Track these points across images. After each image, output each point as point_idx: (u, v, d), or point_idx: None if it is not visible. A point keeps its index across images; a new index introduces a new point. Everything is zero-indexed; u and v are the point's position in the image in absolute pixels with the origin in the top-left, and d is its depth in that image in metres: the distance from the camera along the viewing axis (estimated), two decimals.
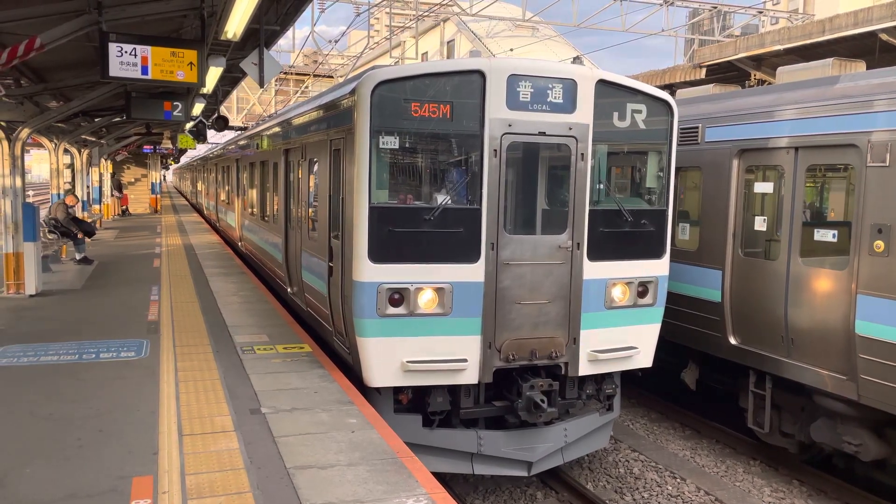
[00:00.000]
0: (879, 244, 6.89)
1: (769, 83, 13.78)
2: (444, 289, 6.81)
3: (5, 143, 11.87)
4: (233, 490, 4.80)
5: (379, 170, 6.76)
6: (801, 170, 7.84)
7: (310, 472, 5.09)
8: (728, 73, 15.86)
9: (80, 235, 15.87)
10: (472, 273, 6.86)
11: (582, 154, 7.11)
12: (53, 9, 8.55)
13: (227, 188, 20.52)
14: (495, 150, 6.82)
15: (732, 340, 8.64)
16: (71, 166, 24.37)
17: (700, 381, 9.82)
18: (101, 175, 27.36)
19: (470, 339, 6.93)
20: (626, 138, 7.59)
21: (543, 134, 6.99)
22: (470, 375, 6.98)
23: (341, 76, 28.53)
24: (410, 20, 31.21)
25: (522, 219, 7.38)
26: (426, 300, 6.80)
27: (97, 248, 17.73)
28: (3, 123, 12.19)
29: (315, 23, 31.84)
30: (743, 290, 8.49)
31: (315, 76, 33.86)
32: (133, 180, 35.89)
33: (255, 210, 14.57)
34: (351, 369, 7.39)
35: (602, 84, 7.17)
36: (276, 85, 36.68)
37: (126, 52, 8.49)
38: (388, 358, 6.79)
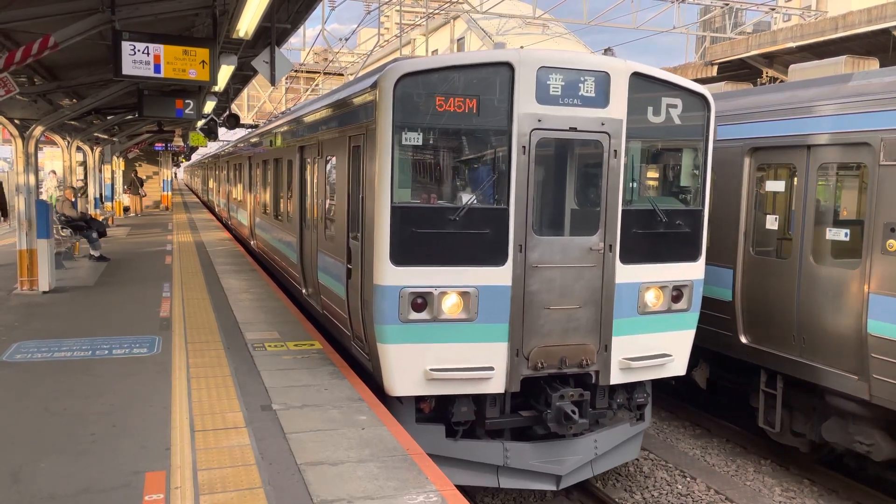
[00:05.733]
0: (892, 243, 6.84)
1: (781, 81, 13.71)
2: (470, 293, 6.48)
3: (19, 141, 11.98)
4: (244, 486, 4.84)
5: (401, 168, 6.45)
6: (814, 168, 7.80)
7: (320, 469, 5.11)
8: (740, 71, 15.80)
9: (94, 235, 16.00)
10: (499, 276, 6.53)
11: (615, 151, 6.75)
12: (67, 7, 8.61)
13: (239, 186, 20.26)
14: (524, 147, 6.48)
15: (743, 339, 8.61)
16: (84, 164, 24.51)
17: (711, 380, 9.79)
18: (112, 172, 27.51)
19: (496, 346, 6.60)
20: (660, 134, 7.22)
21: (574, 130, 6.64)
22: (496, 384, 6.64)
23: (351, 74, 28.58)
24: (420, 18, 31.21)
25: (551, 219, 7.08)
26: (450, 305, 6.47)
27: (109, 245, 17.84)
28: (16, 121, 12.30)
29: (326, 21, 31.91)
30: (754, 289, 8.46)
31: (325, 74, 33.91)
32: (145, 177, 36.09)
33: (268, 208, 14.28)
34: (370, 375, 7.12)
35: (636, 77, 6.80)
36: (286, 83, 36.76)
37: (139, 50, 8.55)
38: (410, 365, 6.47)
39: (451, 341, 6.51)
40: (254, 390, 6.86)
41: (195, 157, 53.06)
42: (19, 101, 12.49)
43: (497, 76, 6.43)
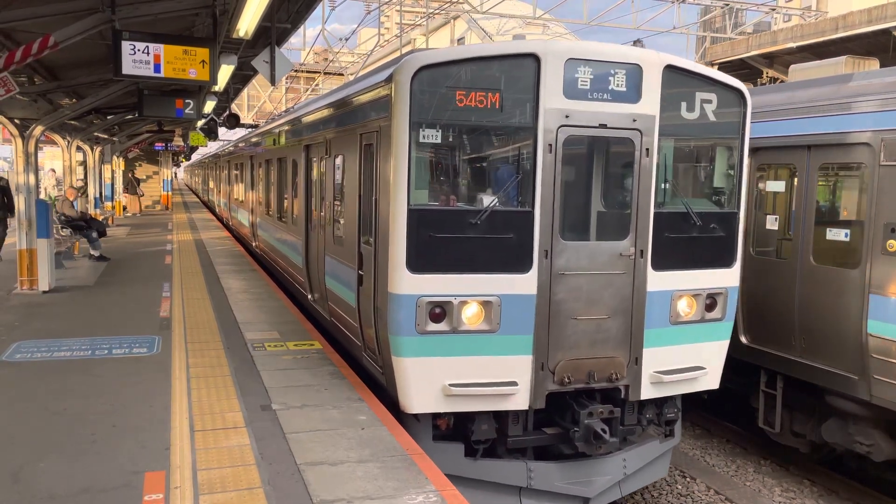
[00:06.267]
0: (892, 244, 6.84)
1: (781, 81, 13.71)
2: (492, 302, 6.03)
3: (19, 141, 11.98)
4: (244, 486, 4.84)
5: (419, 167, 6.03)
6: (814, 168, 7.80)
7: (320, 469, 5.11)
8: (740, 71, 15.81)
9: (94, 235, 16.01)
10: (524, 284, 6.09)
11: (647, 149, 6.30)
12: (67, 7, 8.62)
13: (241, 186, 19.82)
14: (550, 145, 6.03)
15: (744, 339, 8.61)
16: (84, 163, 24.52)
17: None
18: (112, 172, 27.53)
19: (520, 360, 6.15)
20: (694, 132, 6.79)
21: (604, 126, 6.18)
22: (520, 400, 6.20)
23: (351, 74, 28.56)
24: (421, 18, 31.20)
25: (578, 223, 6.67)
26: (471, 315, 6.03)
27: (109, 245, 17.84)
28: (16, 121, 12.30)
29: (326, 21, 31.91)
30: (754, 289, 8.46)
31: (325, 74, 33.92)
32: (145, 177, 36.10)
33: (271, 209, 13.83)
34: (381, 388, 6.76)
35: (670, 70, 6.35)
36: (286, 83, 36.76)
37: (139, 50, 8.55)
38: (427, 380, 6.04)
39: (472, 354, 6.08)
40: (254, 390, 6.86)
41: (195, 156, 53.07)
42: (19, 100, 12.49)
43: (521, 69, 6.00)
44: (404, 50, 27.76)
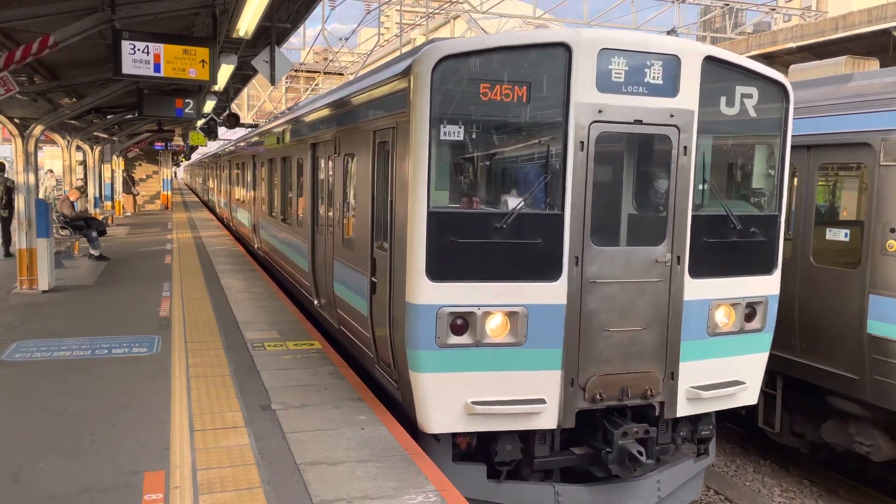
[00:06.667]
0: (892, 244, 6.84)
1: None
2: (518, 313, 5.61)
3: (19, 140, 11.98)
4: (243, 485, 4.84)
5: (439, 167, 5.60)
6: (814, 169, 7.80)
7: (320, 469, 5.11)
8: None
9: (93, 234, 16.02)
10: (552, 293, 5.67)
11: (685, 147, 5.88)
12: (67, 7, 8.62)
13: (243, 186, 19.26)
14: (582, 143, 5.61)
15: None
16: (83, 163, 24.53)
17: None
18: (112, 172, 27.54)
19: (548, 375, 5.74)
20: (733, 129, 6.35)
21: (640, 122, 5.75)
22: (548, 419, 5.78)
23: (351, 74, 28.56)
24: (421, 18, 31.20)
25: (610, 227, 6.26)
26: (496, 327, 5.62)
27: (109, 245, 17.85)
28: (16, 120, 12.31)
29: (326, 20, 31.92)
30: None
31: (325, 74, 33.93)
32: (145, 177, 36.10)
33: (275, 211, 13.38)
34: (394, 403, 6.39)
35: (709, 62, 5.91)
36: (286, 82, 36.77)
37: (139, 49, 8.55)
38: (449, 398, 5.62)
39: (497, 369, 5.66)
40: (253, 390, 6.86)
41: (195, 156, 53.06)
42: (19, 100, 12.50)
43: (551, 60, 5.56)
44: (404, 49, 27.77)
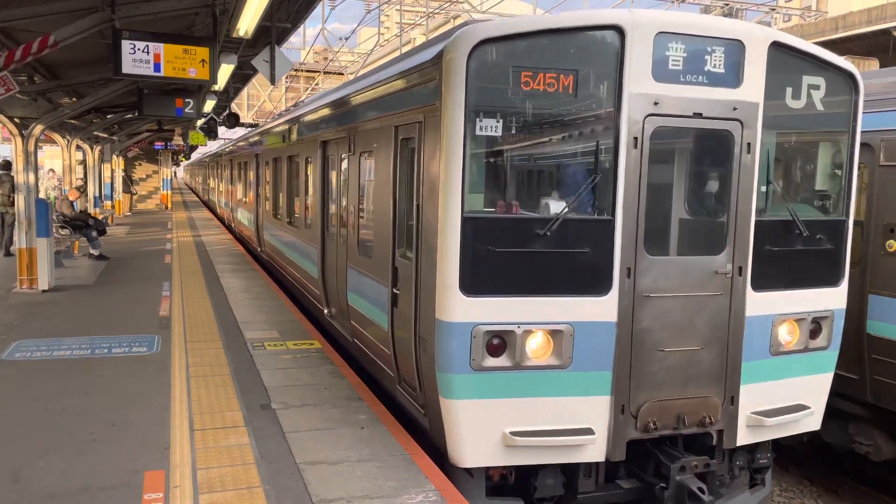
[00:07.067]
0: (892, 244, 6.85)
1: None
2: (562, 331, 5.02)
3: (18, 140, 11.98)
4: (243, 485, 4.84)
5: (474, 166, 5.03)
6: None
7: (320, 468, 5.11)
8: None
9: (93, 234, 16.03)
10: (601, 309, 5.08)
11: (748, 144, 5.29)
12: (67, 6, 8.62)
13: (246, 187, 18.53)
14: (636, 139, 5.02)
15: None
16: (83, 163, 24.54)
17: None
18: (112, 171, 27.54)
19: (596, 402, 5.15)
20: (799, 124, 5.76)
21: (699, 116, 5.15)
22: (596, 451, 5.19)
23: (351, 73, 28.57)
24: (421, 17, 31.21)
25: (664, 234, 5.71)
26: (537, 347, 5.03)
27: (109, 244, 17.85)
28: (16, 120, 12.30)
29: (326, 20, 31.93)
30: None
31: (325, 73, 33.93)
32: (144, 176, 36.11)
33: (280, 213, 12.74)
34: (415, 426, 5.84)
35: (776, 48, 5.31)
36: (286, 82, 36.78)
37: (139, 49, 8.55)
38: (485, 428, 5.04)
39: (538, 395, 5.07)
40: (253, 389, 6.86)
41: (195, 155, 53.07)
42: (19, 99, 12.50)
43: (602, 45, 4.99)
44: (404, 49, 27.83)
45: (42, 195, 17.39)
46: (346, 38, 27.95)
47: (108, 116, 18.98)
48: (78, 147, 21.34)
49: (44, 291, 11.88)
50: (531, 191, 5.49)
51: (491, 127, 4.92)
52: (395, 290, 6.09)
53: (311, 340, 8.81)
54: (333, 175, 8.67)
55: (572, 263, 5.08)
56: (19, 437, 5.69)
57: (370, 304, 6.89)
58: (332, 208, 8.71)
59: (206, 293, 11.91)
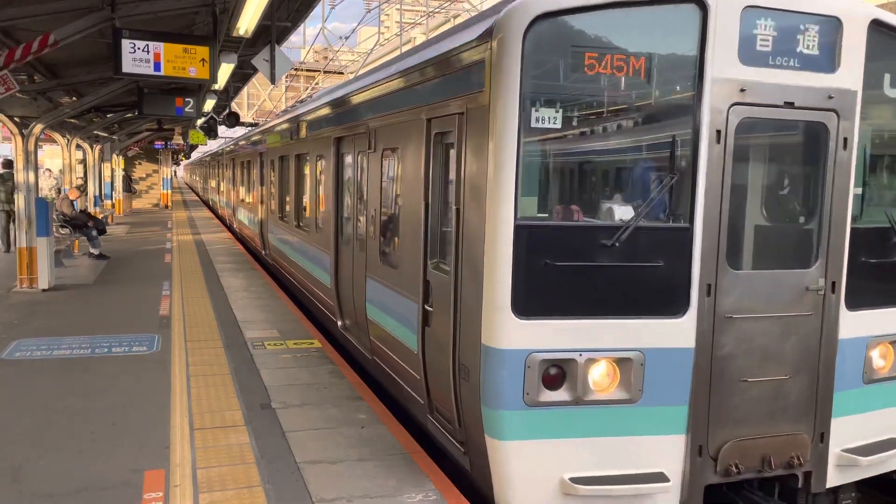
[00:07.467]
0: None
1: None
2: (631, 360, 4.37)
3: (19, 139, 11.98)
4: (243, 484, 4.84)
5: (528, 165, 4.35)
6: None
7: (319, 467, 5.11)
8: None
9: (93, 233, 16.04)
10: (677, 333, 4.43)
11: (845, 139, 4.64)
12: (67, 5, 8.62)
13: (249, 187, 17.76)
14: (719, 132, 4.36)
15: None
16: (83, 162, 24.56)
17: None
18: (112, 171, 27.55)
19: (670, 441, 4.50)
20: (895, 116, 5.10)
21: (791, 105, 4.48)
22: (669, 499, 4.52)
23: (351, 73, 28.58)
24: (421, 17, 31.22)
25: (749, 243, 4.98)
26: (601, 378, 4.38)
27: (109, 244, 17.85)
28: (16, 119, 12.31)
29: (326, 19, 31.93)
30: None
31: (325, 73, 33.94)
32: (144, 175, 36.11)
33: (287, 215, 12.06)
34: (462, 473, 5.09)
35: (875, 28, 4.65)
36: (286, 81, 36.81)
37: (139, 48, 8.55)
38: (539, 473, 4.39)
39: (602, 435, 4.43)
40: (253, 388, 6.86)
41: (195, 154, 53.06)
42: (19, 98, 12.51)
43: (680, 21, 4.33)
44: (404, 49, 27.84)
45: (45, 193, 17.47)
46: (346, 38, 27.98)
47: (108, 116, 18.98)
48: (78, 146, 21.34)
49: (44, 291, 11.88)
50: (592, 193, 4.80)
51: (549, 118, 4.25)
52: (426, 307, 5.40)
53: (311, 340, 8.81)
54: (349, 175, 8.00)
55: (643, 279, 4.42)
56: (19, 436, 5.69)
57: (395, 321, 6.21)
58: (348, 211, 8.06)
59: (206, 292, 11.91)
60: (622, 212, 4.47)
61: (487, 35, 4.33)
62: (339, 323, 8.40)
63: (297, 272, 11.20)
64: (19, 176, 12.02)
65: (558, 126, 4.29)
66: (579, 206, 4.67)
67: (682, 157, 4.45)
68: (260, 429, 5.83)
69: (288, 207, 12.13)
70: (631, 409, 4.42)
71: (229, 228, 24.19)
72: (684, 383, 4.46)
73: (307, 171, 10.48)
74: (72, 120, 17.65)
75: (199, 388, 6.85)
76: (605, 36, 4.25)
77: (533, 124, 4.22)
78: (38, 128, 12.14)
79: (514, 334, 4.25)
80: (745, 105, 4.40)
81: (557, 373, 4.33)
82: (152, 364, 7.70)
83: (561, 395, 4.34)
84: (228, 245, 19.22)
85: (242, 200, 19.51)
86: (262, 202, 15.38)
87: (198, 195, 52.43)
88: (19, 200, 11.97)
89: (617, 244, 4.29)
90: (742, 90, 4.38)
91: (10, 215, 15.94)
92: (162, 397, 6.60)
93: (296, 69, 34.45)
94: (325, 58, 36.74)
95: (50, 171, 22.17)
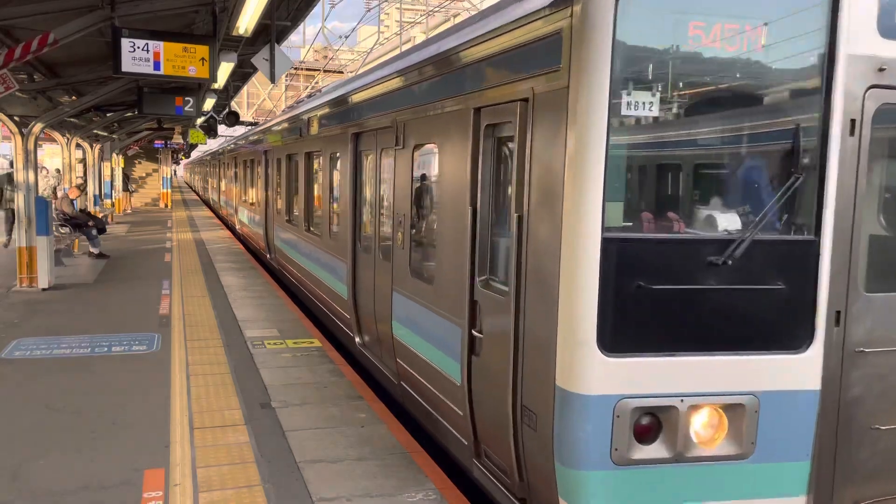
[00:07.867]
0: None
1: None
2: (743, 406, 3.58)
3: (18, 138, 11.98)
4: (243, 483, 4.84)
5: (615, 164, 3.47)
6: None
7: (319, 467, 5.11)
8: None
9: (93, 232, 16.04)
10: (799, 372, 3.64)
11: None
12: (67, 4, 8.61)
13: (253, 187, 16.99)
14: (853, 121, 3.55)
15: None
16: (83, 161, 24.56)
17: None
18: (112, 170, 27.55)
19: None
20: None
21: None
22: None
23: (351, 72, 28.57)
24: (421, 16, 31.21)
25: (881, 260, 4.06)
26: (706, 429, 3.60)
27: (109, 243, 17.85)
28: (16, 118, 12.30)
29: (326, 18, 31.93)
30: None
31: (325, 72, 33.93)
32: (144, 174, 36.11)
33: (295, 218, 11.29)
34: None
35: None
36: (286, 80, 36.81)
37: (138, 47, 8.53)
38: None
39: (706, 500, 3.65)
40: (253, 388, 6.86)
41: (196, 153, 53.04)
42: (19, 97, 12.49)
43: None
44: (404, 48, 27.77)
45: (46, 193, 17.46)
46: (346, 37, 27.98)
47: (108, 115, 18.95)
48: (78, 145, 21.33)
49: (44, 290, 11.88)
50: (694, 199, 3.87)
51: (644, 104, 3.45)
52: (474, 333, 4.60)
53: (311, 339, 8.82)
54: (370, 175, 7.20)
55: (759, 305, 3.60)
56: (19, 435, 5.69)
57: (430, 345, 5.42)
58: (368, 216, 7.24)
59: (206, 291, 11.91)
60: (726, 220, 3.61)
61: (563, 1, 3.53)
62: (357, 339, 7.60)
63: (307, 279, 10.38)
64: (19, 175, 12.02)
65: (655, 113, 3.49)
66: (676, 215, 3.77)
67: (806, 153, 3.59)
68: (260, 428, 5.83)
69: (297, 210, 11.18)
70: (742, 467, 3.64)
71: (230, 229, 24.11)
72: (807, 434, 3.68)
73: (319, 170, 9.66)
74: (71, 119, 17.63)
75: (199, 388, 6.84)
76: (714, 2, 3.52)
77: (624, 112, 3.42)
78: (37, 127, 12.14)
79: (600, 375, 3.44)
80: (884, 88, 3.58)
81: (651, 422, 3.55)
82: (152, 363, 7.70)
83: (657, 450, 3.55)
84: (228, 244, 19.22)
85: (245, 201, 19.00)
86: (266, 203, 14.69)
87: (198, 194, 52.40)
88: (19, 200, 11.97)
89: (729, 262, 3.46)
90: (881, 69, 3.56)
91: (14, 214, 15.96)
92: (162, 396, 6.59)
93: (295, 68, 34.43)
94: (325, 57, 36.74)
95: (47, 169, 22.19)
